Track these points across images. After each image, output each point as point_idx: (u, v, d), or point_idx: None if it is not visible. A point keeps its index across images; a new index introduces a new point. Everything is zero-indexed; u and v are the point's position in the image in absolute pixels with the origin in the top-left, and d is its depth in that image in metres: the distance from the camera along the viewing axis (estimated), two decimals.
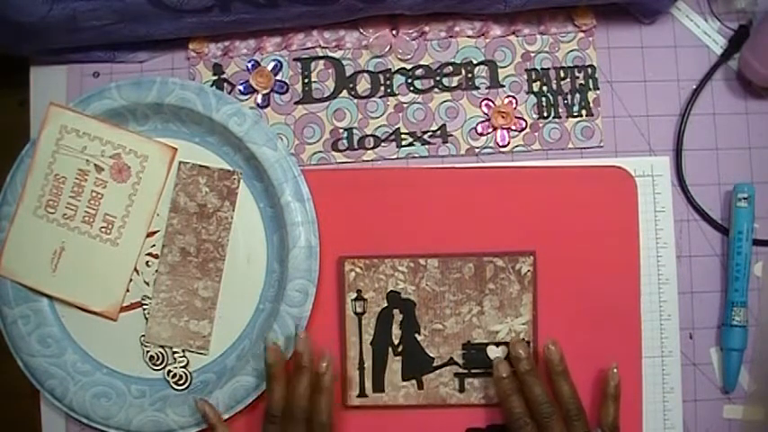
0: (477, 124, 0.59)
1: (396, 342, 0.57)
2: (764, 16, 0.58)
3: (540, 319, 0.57)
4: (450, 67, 0.60)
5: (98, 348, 0.58)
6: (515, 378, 0.54)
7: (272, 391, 0.53)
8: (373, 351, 0.57)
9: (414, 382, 0.57)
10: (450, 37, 0.60)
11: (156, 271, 0.57)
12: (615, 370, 0.54)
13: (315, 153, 0.59)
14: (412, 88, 0.60)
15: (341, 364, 0.57)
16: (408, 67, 0.60)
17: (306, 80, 0.60)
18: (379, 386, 0.57)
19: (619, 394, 0.54)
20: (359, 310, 0.57)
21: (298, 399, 0.52)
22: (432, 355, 0.57)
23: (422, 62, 0.60)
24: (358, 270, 0.57)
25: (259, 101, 0.59)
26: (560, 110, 0.60)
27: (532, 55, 0.60)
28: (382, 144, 0.59)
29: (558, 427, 0.52)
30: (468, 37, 0.60)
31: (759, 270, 0.59)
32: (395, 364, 0.57)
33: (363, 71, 0.60)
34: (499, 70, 0.60)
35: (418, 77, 0.60)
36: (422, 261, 0.57)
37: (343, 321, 0.57)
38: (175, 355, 0.57)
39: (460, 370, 0.57)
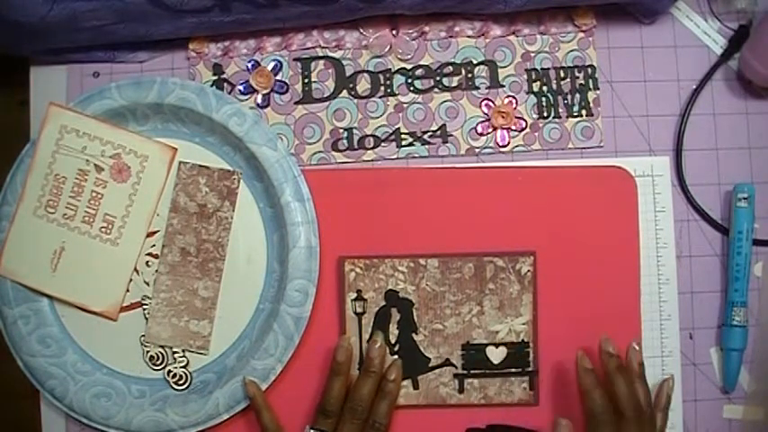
0: (477, 124, 0.59)
1: (393, 341, 0.57)
2: (764, 16, 0.58)
3: (540, 319, 0.57)
4: (451, 67, 0.60)
5: (98, 348, 0.58)
6: (595, 372, 0.53)
7: (332, 388, 0.54)
8: None
9: (409, 381, 0.57)
10: (451, 37, 0.60)
11: (156, 271, 0.57)
12: (672, 382, 0.55)
13: (315, 153, 0.59)
14: (412, 88, 0.60)
15: None
16: (408, 67, 0.60)
17: (306, 80, 0.60)
18: None
19: (669, 405, 0.55)
20: (359, 310, 0.57)
21: (361, 399, 0.53)
22: (430, 355, 0.57)
23: (422, 62, 0.60)
24: (358, 270, 0.57)
25: (259, 101, 0.59)
26: (560, 110, 0.60)
27: (532, 55, 0.60)
28: (382, 144, 0.59)
29: (636, 429, 0.51)
30: (468, 37, 0.60)
31: (759, 270, 0.59)
32: None
33: (363, 71, 0.60)
34: (499, 70, 0.60)
35: (418, 77, 0.60)
36: (422, 261, 0.57)
37: (344, 321, 0.57)
38: (175, 355, 0.57)
39: (457, 371, 0.57)
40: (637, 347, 0.54)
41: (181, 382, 0.57)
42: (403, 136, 0.59)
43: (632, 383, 0.52)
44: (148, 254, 0.58)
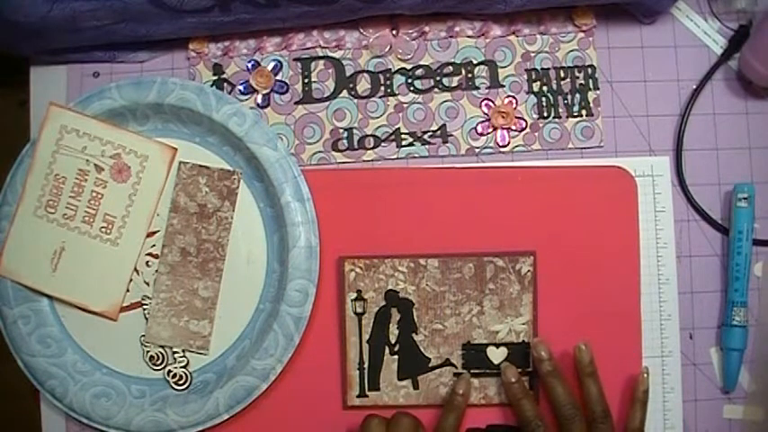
0: (477, 124, 0.59)
1: (392, 341, 0.57)
2: (764, 16, 0.58)
3: (540, 319, 0.57)
4: (451, 67, 0.60)
5: (98, 348, 0.58)
6: (523, 381, 0.55)
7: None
8: (369, 348, 0.57)
9: (409, 381, 0.57)
10: (451, 37, 0.60)
11: (156, 271, 0.57)
12: (646, 375, 0.55)
13: (315, 153, 0.59)
14: (412, 88, 0.60)
15: (341, 364, 0.57)
16: (408, 67, 0.60)
17: (306, 80, 0.60)
18: (374, 385, 0.57)
19: (647, 399, 0.54)
20: (359, 310, 0.57)
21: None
22: (430, 355, 0.57)
23: (422, 62, 0.60)
24: (358, 270, 0.57)
25: (259, 101, 0.59)
26: (560, 110, 0.60)
27: (532, 55, 0.60)
28: (382, 144, 0.59)
29: (579, 429, 0.52)
30: (468, 37, 0.60)
31: (759, 270, 0.59)
32: (392, 364, 0.57)
33: (363, 71, 0.60)
34: (499, 70, 0.60)
35: (418, 77, 0.60)
36: (422, 261, 0.57)
37: (343, 321, 0.57)
38: (175, 355, 0.57)
39: (457, 371, 0.57)
40: (583, 347, 0.54)
41: (181, 382, 0.57)
42: (403, 136, 0.59)
43: (582, 384, 0.54)
44: (148, 254, 0.58)
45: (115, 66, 0.60)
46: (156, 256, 0.58)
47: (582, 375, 0.54)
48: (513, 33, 0.60)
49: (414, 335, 0.57)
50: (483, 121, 0.59)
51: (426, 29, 0.60)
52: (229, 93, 0.59)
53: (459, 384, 0.55)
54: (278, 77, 0.60)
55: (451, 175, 0.58)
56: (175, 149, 0.58)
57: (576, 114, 0.60)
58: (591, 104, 0.60)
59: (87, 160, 0.57)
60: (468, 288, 0.57)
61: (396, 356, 0.57)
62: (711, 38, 0.61)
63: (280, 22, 0.57)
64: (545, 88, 0.60)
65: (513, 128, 0.59)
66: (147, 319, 0.57)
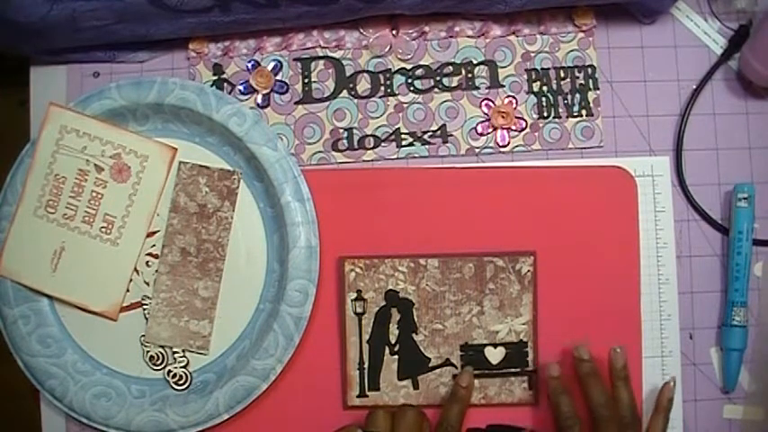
0: (477, 124, 0.59)
1: (393, 341, 0.57)
2: (764, 16, 0.58)
3: (540, 319, 0.57)
4: (451, 67, 0.60)
5: (98, 348, 0.58)
6: (562, 378, 0.55)
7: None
8: (369, 348, 0.57)
9: (409, 381, 0.57)
10: (451, 37, 0.60)
11: (156, 271, 0.57)
12: (673, 384, 0.55)
13: (315, 153, 0.59)
14: (412, 88, 0.60)
15: (341, 364, 0.57)
16: (408, 67, 0.60)
17: (306, 80, 0.60)
18: (374, 385, 0.57)
19: (671, 408, 0.54)
20: (359, 310, 0.57)
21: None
22: (430, 355, 0.57)
23: (422, 62, 0.60)
24: (358, 270, 0.57)
25: (259, 101, 0.59)
26: (560, 110, 0.60)
27: (532, 55, 0.60)
28: (382, 144, 0.59)
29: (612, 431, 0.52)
30: (469, 37, 0.60)
31: (759, 270, 0.59)
32: (392, 364, 0.57)
33: (363, 71, 0.60)
34: (499, 70, 0.60)
35: (418, 77, 0.60)
36: (422, 261, 0.57)
37: (343, 321, 0.57)
38: (175, 355, 0.57)
39: (457, 371, 0.57)
40: (618, 350, 0.54)
41: (181, 382, 0.57)
42: (403, 136, 0.59)
43: (614, 387, 0.54)
44: (148, 254, 0.58)
45: (115, 66, 0.60)
46: (156, 256, 0.58)
47: (614, 379, 0.54)
48: (513, 33, 0.60)
49: (414, 335, 0.57)
50: (483, 121, 0.59)
51: (426, 29, 0.60)
52: (229, 93, 0.59)
53: (462, 377, 0.55)
54: (278, 77, 0.60)
55: (451, 175, 0.58)
56: (175, 149, 0.58)
57: (575, 114, 0.60)
58: (591, 104, 0.60)
59: (87, 160, 0.57)
60: (468, 288, 0.57)
61: (396, 356, 0.57)
62: (711, 38, 0.61)
63: (280, 22, 0.57)
64: (545, 88, 0.60)
65: (513, 128, 0.59)
66: (147, 319, 0.57)
